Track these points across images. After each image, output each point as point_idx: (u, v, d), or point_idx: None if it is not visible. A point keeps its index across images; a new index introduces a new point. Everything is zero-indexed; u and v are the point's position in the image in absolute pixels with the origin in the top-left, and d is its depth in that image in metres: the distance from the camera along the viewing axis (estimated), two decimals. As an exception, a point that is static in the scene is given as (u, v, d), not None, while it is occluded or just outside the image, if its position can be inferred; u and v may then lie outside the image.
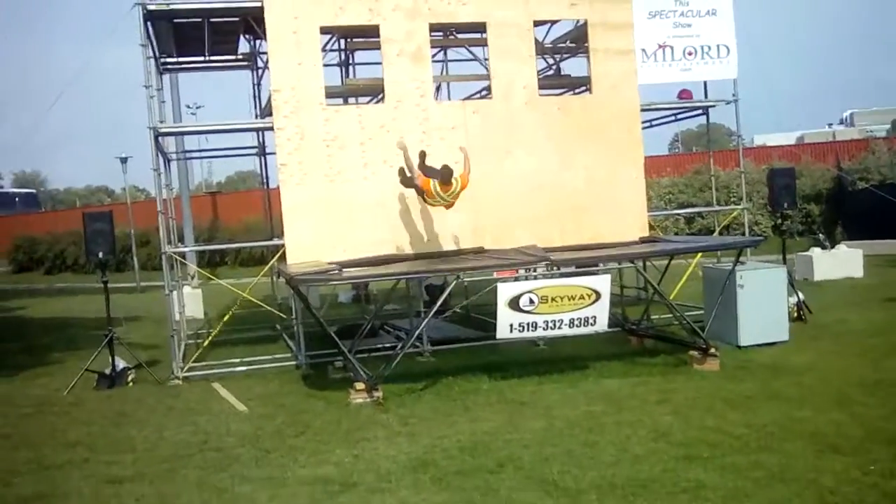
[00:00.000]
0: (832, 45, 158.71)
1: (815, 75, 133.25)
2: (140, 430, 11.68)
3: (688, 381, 12.38)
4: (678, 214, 33.56)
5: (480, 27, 15.90)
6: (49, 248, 49.35)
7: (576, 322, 12.92)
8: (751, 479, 8.13)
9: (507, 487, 8.39)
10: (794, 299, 16.55)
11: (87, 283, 37.38)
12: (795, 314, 16.45)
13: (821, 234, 28.43)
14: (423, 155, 14.25)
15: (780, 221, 19.26)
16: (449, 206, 13.94)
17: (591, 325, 13.00)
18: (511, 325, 12.78)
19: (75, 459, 10.35)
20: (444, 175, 13.42)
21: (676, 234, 32.87)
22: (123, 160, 42.24)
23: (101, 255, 15.13)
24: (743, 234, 19.13)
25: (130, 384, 14.84)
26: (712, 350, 13.33)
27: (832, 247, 25.53)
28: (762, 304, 14.66)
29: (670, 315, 15.49)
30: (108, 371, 14.80)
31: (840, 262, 24.10)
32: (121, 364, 15.01)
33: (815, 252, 24.59)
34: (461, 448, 9.79)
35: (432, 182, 13.55)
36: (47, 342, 20.43)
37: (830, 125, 61.81)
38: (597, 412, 11.00)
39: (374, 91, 16.92)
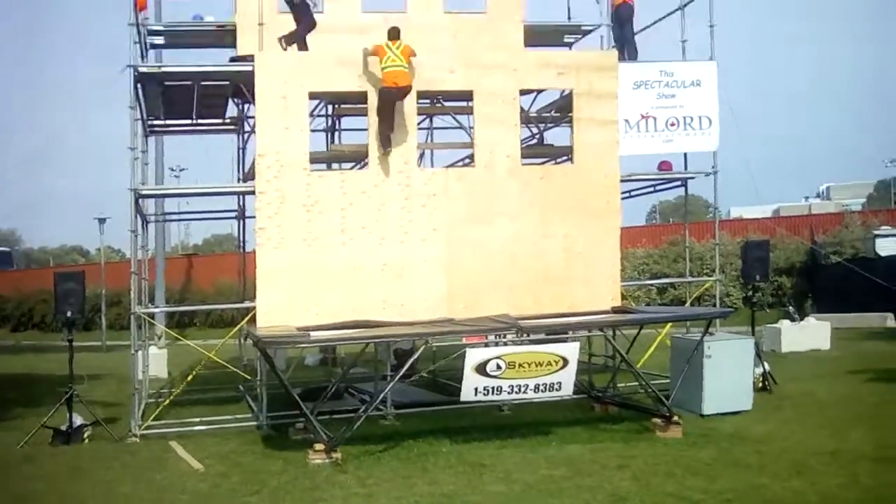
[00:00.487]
0: (811, 119, 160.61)
1: (793, 149, 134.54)
2: (93, 486, 11.49)
3: (649, 448, 12.31)
4: (651, 285, 33.74)
5: (467, 95, 16.01)
6: (17, 305, 49.08)
7: (541, 387, 12.88)
8: (706, 545, 8.06)
9: (462, 550, 8.28)
10: (759, 370, 16.53)
11: (54, 341, 36.96)
12: (760, 384, 16.41)
13: (790, 307, 28.52)
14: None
15: (751, 293, 19.25)
16: (396, 73, 14.52)
17: (557, 390, 12.96)
18: (476, 389, 12.72)
19: (25, 517, 10.18)
20: (392, 30, 14.46)
21: (648, 303, 32.95)
22: (102, 221, 42.27)
23: (69, 313, 15.05)
24: (714, 305, 19.15)
25: (86, 441, 14.64)
26: (675, 418, 13.29)
27: (801, 319, 25.58)
28: (728, 373, 14.66)
29: (636, 383, 15.43)
30: (64, 427, 14.59)
31: (808, 334, 24.16)
32: (78, 421, 14.82)
33: (784, 324, 24.65)
34: (418, 510, 9.67)
35: (384, 44, 14.38)
36: (9, 398, 20.13)
37: (807, 198, 62.36)
38: (557, 476, 10.91)
39: (359, 157, 17.01)
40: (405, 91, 14.78)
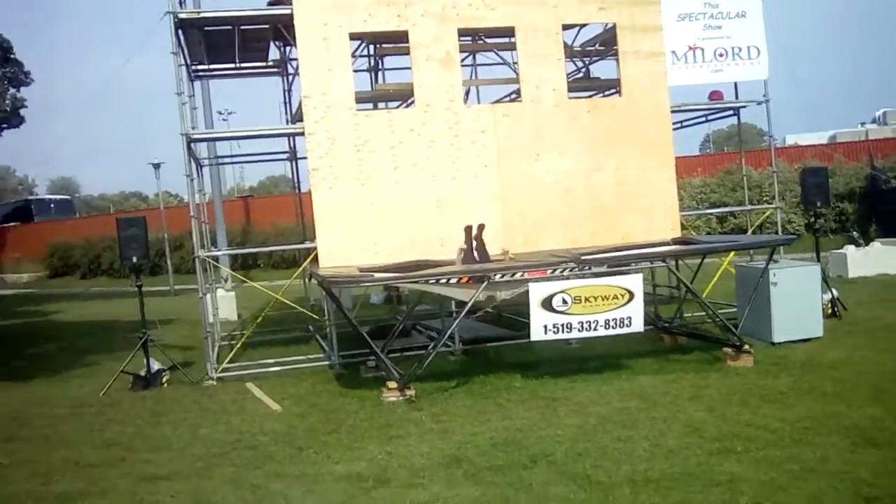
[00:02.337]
0: (863, 43, 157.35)
1: (846, 74, 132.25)
2: (175, 429, 11.78)
3: (721, 378, 12.31)
4: (710, 214, 33.41)
5: (509, 31, 15.91)
6: (84, 253, 49.81)
7: (611, 323, 12.83)
8: (786, 471, 8.09)
9: (541, 482, 8.39)
10: (828, 296, 16.42)
11: (121, 287, 37.69)
12: (829, 311, 16.33)
13: (855, 232, 28.23)
14: (481, 228, 14.29)
15: (813, 220, 19.08)
16: None
17: (627, 325, 12.89)
18: (545, 327, 12.71)
19: (112, 458, 10.46)
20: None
21: (709, 233, 32.74)
22: (156, 166, 42.63)
23: (135, 259, 15.30)
24: (776, 232, 19.02)
25: (165, 385, 14.96)
26: (746, 347, 13.26)
27: (866, 244, 25.32)
28: (796, 301, 14.55)
29: (703, 314, 15.42)
30: (142, 372, 14.93)
31: (874, 259, 23.89)
32: (155, 366, 15.14)
33: (849, 249, 24.40)
34: (494, 444, 9.80)
35: None
36: (83, 345, 20.61)
37: (863, 124, 61.22)
38: (630, 408, 10.98)
39: (404, 96, 17.02)
40: None
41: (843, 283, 20.88)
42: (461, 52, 16.20)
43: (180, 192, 67.51)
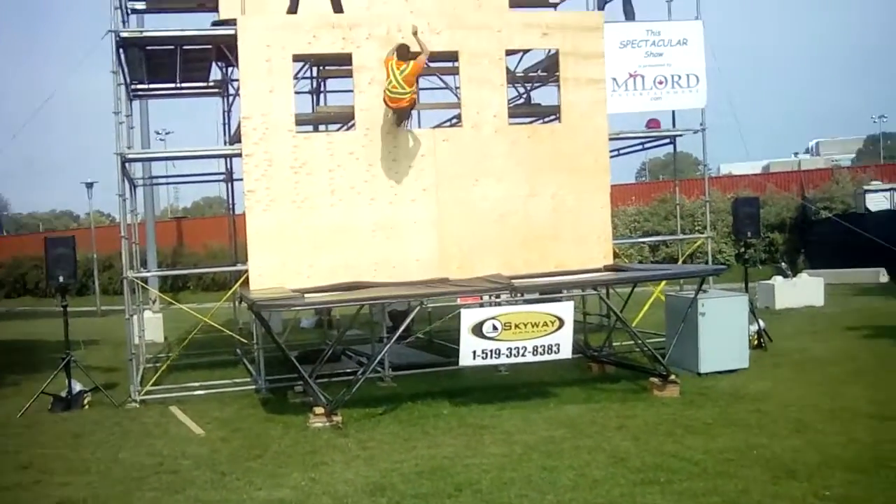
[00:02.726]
0: (800, 75, 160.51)
1: (782, 105, 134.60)
2: (94, 452, 11.53)
3: (648, 408, 12.38)
4: (643, 242, 33.75)
5: (453, 56, 15.94)
6: (9, 271, 49.04)
7: (539, 349, 12.86)
8: (707, 504, 8.12)
9: (465, 511, 8.33)
10: (754, 327, 16.59)
11: (47, 306, 36.98)
12: (756, 342, 16.49)
13: (783, 263, 28.67)
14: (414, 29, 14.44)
15: (743, 250, 19.31)
16: (396, 99, 14.28)
17: (555, 352, 12.93)
18: (474, 352, 12.70)
19: (26, 481, 10.22)
20: (400, 48, 14.24)
21: (641, 261, 32.99)
22: (89, 185, 42.21)
23: (61, 278, 15.03)
24: (706, 262, 19.20)
25: (86, 407, 14.66)
26: (672, 377, 13.34)
27: (794, 275, 25.69)
28: (723, 331, 14.69)
29: (632, 342, 15.49)
30: (63, 394, 14.62)
31: (801, 290, 24.25)
32: (77, 387, 14.84)
33: (777, 280, 24.75)
34: (419, 472, 9.72)
35: (391, 61, 14.17)
36: (4, 364, 20.14)
37: (796, 154, 62.41)
38: (556, 437, 10.97)
39: (345, 118, 16.98)
40: (403, 111, 14.69)
41: (771, 314, 21.12)
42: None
43: (113, 211, 66.58)
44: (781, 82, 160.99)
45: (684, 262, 20.52)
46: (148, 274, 21.17)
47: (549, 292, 14.68)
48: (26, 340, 25.57)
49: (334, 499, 8.96)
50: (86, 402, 14.78)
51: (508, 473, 9.49)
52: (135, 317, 16.73)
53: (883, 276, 29.79)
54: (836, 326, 19.37)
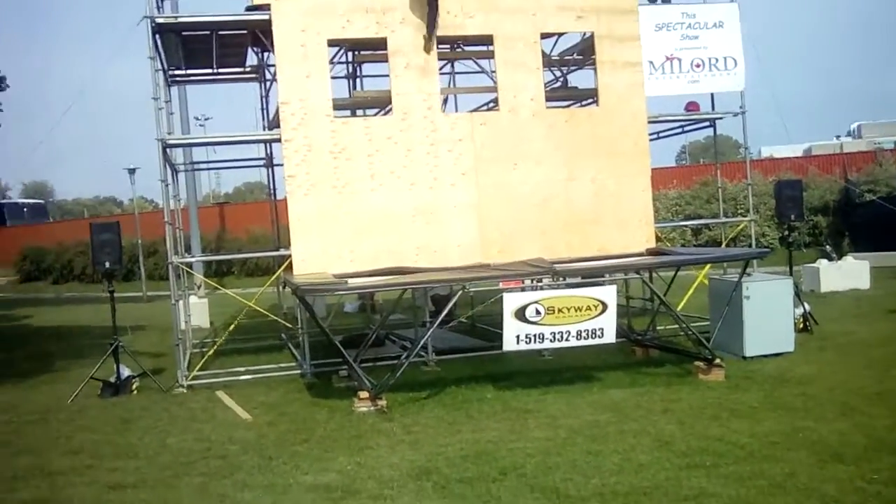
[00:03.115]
0: (840, 57, 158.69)
1: (823, 87, 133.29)
2: (143, 437, 11.68)
3: (692, 392, 12.34)
4: (685, 226, 33.56)
5: (488, 40, 15.91)
6: (56, 257, 49.57)
7: (583, 334, 12.83)
8: (753, 487, 8.09)
9: (509, 495, 8.36)
10: (800, 310, 16.48)
11: (94, 292, 37.34)
12: (801, 325, 16.39)
13: (828, 246, 28.36)
14: None
15: (786, 233, 19.12)
16: None
17: (599, 336, 12.90)
18: (518, 337, 12.70)
19: (78, 466, 10.36)
20: None
21: (683, 245, 32.85)
22: (132, 171, 42.48)
23: (108, 264, 15.18)
24: (750, 245, 19.08)
25: (135, 392, 14.84)
26: (717, 361, 13.29)
27: (839, 258, 25.44)
28: (768, 315, 14.60)
29: (676, 326, 15.43)
30: (112, 379, 14.82)
31: (846, 273, 24.03)
32: (125, 372, 15.03)
33: (822, 264, 24.52)
34: (464, 456, 9.78)
35: None
36: (52, 350, 20.45)
37: (838, 137, 61.65)
38: (601, 421, 10.97)
39: (382, 103, 16.99)
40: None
41: (816, 298, 20.95)
42: (439, 59, 16.20)
43: (156, 197, 67.20)
44: (822, 64, 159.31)
45: (727, 245, 20.40)
46: (193, 259, 21.26)
47: (592, 276, 14.66)
48: (74, 326, 25.91)
49: (380, 482, 9.02)
50: (134, 387, 14.97)
51: (553, 458, 9.51)
52: (180, 302, 16.86)
53: (929, 259, 29.42)
54: (882, 309, 19.17)
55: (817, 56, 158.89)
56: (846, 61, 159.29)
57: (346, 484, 9.05)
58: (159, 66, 16.16)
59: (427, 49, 15.10)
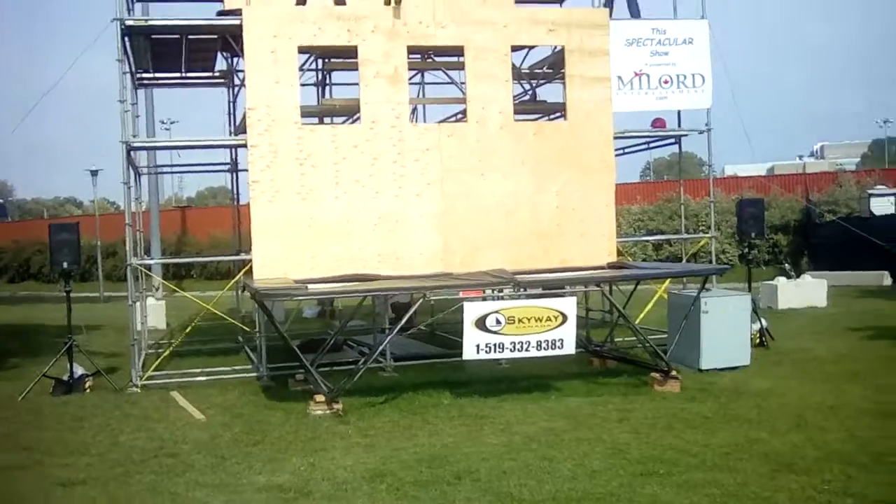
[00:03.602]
0: (805, 79, 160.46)
1: (787, 108, 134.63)
2: (95, 435, 11.56)
3: (648, 402, 12.40)
4: (647, 241, 33.78)
5: (458, 51, 15.94)
6: (14, 256, 49.27)
7: (543, 344, 12.85)
8: (706, 496, 8.12)
9: (464, 499, 8.35)
10: (757, 326, 16.60)
11: (51, 291, 36.94)
12: (758, 340, 16.50)
13: (787, 264, 28.67)
14: None
15: (746, 251, 19.28)
16: None
17: (559, 347, 12.93)
18: (478, 346, 12.71)
19: (27, 462, 10.25)
20: None
21: (644, 259, 32.98)
22: (94, 173, 42.30)
23: (65, 264, 15.07)
24: (710, 261, 19.19)
25: (88, 391, 14.71)
26: (673, 372, 13.36)
27: (797, 276, 25.68)
28: (725, 329, 14.70)
29: (634, 339, 15.49)
30: (65, 377, 14.66)
31: (804, 291, 24.25)
32: (79, 371, 14.89)
33: (780, 281, 24.75)
34: (419, 460, 9.75)
35: None
36: (6, 348, 20.16)
37: (801, 157, 62.35)
38: (556, 428, 10.99)
39: (350, 112, 16.94)
40: None
41: (773, 315, 21.12)
42: (410, 69, 16.21)
43: (118, 199, 66.63)
44: (786, 85, 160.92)
45: (688, 261, 20.53)
46: (152, 261, 21.22)
47: (553, 287, 14.68)
48: (29, 325, 25.60)
49: (334, 484, 8.97)
50: (87, 386, 14.83)
51: (507, 463, 9.51)
52: (138, 303, 16.74)
53: (886, 280, 29.78)
54: (839, 327, 19.36)
55: (783, 77, 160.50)
56: (810, 83, 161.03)
57: (299, 485, 8.99)
58: (127, 69, 16.08)
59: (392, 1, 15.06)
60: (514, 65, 16.63)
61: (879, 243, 27.76)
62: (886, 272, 29.75)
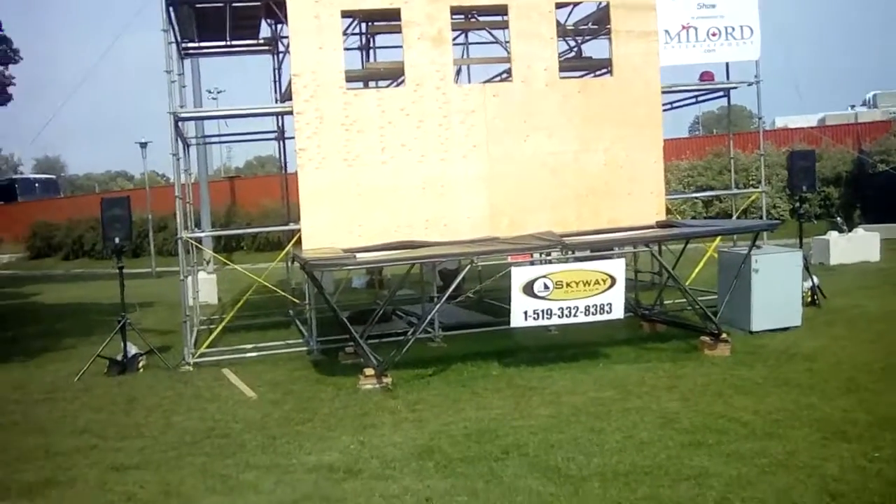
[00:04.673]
0: (855, 26, 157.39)
1: (839, 57, 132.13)
2: (148, 416, 11.71)
3: (698, 368, 12.31)
4: (696, 197, 33.40)
5: (502, 10, 15.79)
6: (67, 233, 49.52)
7: (591, 309, 12.76)
8: (755, 466, 8.07)
9: (511, 475, 8.35)
10: (808, 284, 16.41)
11: (104, 268, 37.51)
12: (809, 299, 16.32)
13: (839, 218, 28.27)
14: None
15: (798, 205, 19.02)
16: None
17: (608, 312, 12.84)
18: (525, 313, 12.65)
19: (83, 446, 10.37)
20: None
21: (694, 217, 32.69)
22: (143, 145, 42.62)
23: (117, 240, 15.14)
24: (760, 217, 18.99)
25: (141, 370, 14.89)
26: (724, 336, 13.24)
27: (849, 230, 25.32)
28: (776, 288, 14.53)
29: (684, 300, 15.38)
30: (119, 357, 14.85)
31: (857, 246, 23.90)
32: (132, 350, 15.06)
33: (832, 236, 24.41)
34: (467, 435, 9.77)
35: None
36: (61, 328, 20.51)
37: (853, 107, 61.14)
38: (605, 398, 10.96)
39: (395, 74, 16.85)
40: None
41: (825, 271, 20.90)
42: (453, 30, 16.07)
43: (167, 171, 67.27)
44: (837, 33, 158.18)
45: (738, 217, 20.31)
46: (202, 234, 21.26)
47: (601, 249, 14.58)
48: (83, 303, 25.99)
49: (382, 463, 9.01)
50: (140, 365, 15.01)
51: (556, 435, 9.50)
52: (189, 278, 16.87)
53: (942, 230, 29.26)
54: (891, 282, 19.11)
55: (834, 26, 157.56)
56: (862, 30, 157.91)
57: (348, 464, 9.04)
58: (172, 39, 16.15)
59: None
60: (558, 22, 16.43)
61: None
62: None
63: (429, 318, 14.29)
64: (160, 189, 46.68)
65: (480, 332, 15.85)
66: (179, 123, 16.44)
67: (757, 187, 20.15)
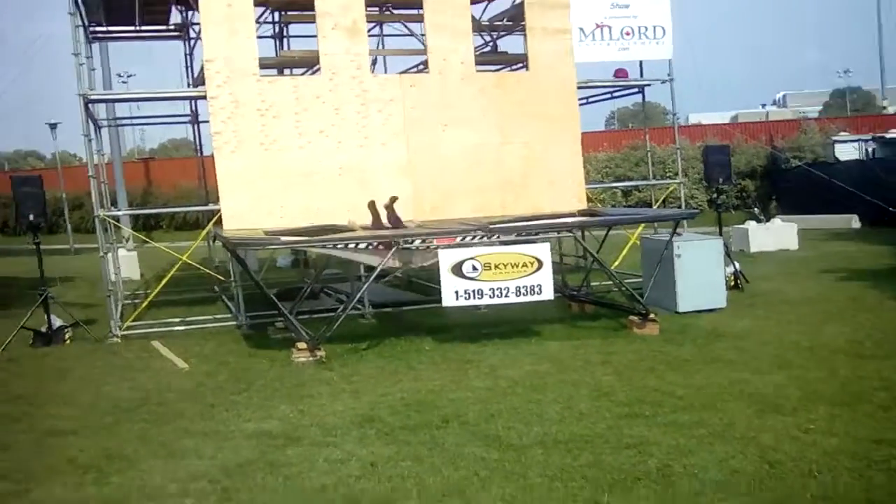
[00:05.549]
0: (769, 28, 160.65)
1: (750, 58, 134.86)
2: (80, 385, 11.58)
3: (629, 345, 12.51)
4: (616, 187, 33.89)
5: (417, 3, 15.95)
6: (-24, 210, 48.20)
7: (522, 290, 12.88)
8: (693, 436, 8.21)
9: (453, 442, 8.41)
10: (730, 269, 16.77)
11: (18, 244, 36.68)
12: (733, 283, 16.68)
13: (756, 208, 28.88)
14: (392, 200, 14.07)
15: (715, 196, 19.46)
16: None
17: (538, 293, 12.96)
18: (457, 292, 12.72)
19: (15, 413, 10.24)
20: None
21: (614, 206, 33.13)
22: (53, 126, 42.12)
23: (31, 217, 14.98)
24: (679, 207, 19.35)
25: (68, 342, 14.70)
26: (651, 315, 13.47)
27: (767, 220, 25.89)
28: (699, 272, 14.85)
29: (609, 283, 15.63)
30: (44, 329, 14.63)
31: (775, 234, 24.49)
32: (57, 322, 14.86)
33: (751, 225, 24.98)
34: (406, 404, 9.82)
35: None
36: (-21, 302, 20.08)
37: (764, 106, 62.54)
38: (541, 371, 11.09)
39: (309, 63, 16.93)
40: None
41: (746, 258, 21.32)
42: (368, 22, 16.16)
43: (80, 152, 66.01)
44: (748, 35, 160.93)
45: (658, 207, 20.66)
46: (120, 212, 21.07)
47: (525, 235, 14.74)
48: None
49: (323, 430, 9.02)
50: (67, 337, 14.83)
51: (495, 406, 9.59)
52: (109, 255, 16.67)
53: (855, 223, 30.09)
54: (811, 269, 19.56)
55: (744, 27, 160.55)
56: (772, 33, 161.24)
57: (288, 431, 9.04)
58: (80, 22, 15.92)
59: None
60: (473, 17, 16.62)
61: (848, 188, 27.97)
62: (856, 216, 30.00)
63: (360, 294, 14.31)
64: (73, 168, 45.85)
65: (410, 310, 15.93)
66: (90, 105, 16.30)
67: (674, 179, 20.49)
